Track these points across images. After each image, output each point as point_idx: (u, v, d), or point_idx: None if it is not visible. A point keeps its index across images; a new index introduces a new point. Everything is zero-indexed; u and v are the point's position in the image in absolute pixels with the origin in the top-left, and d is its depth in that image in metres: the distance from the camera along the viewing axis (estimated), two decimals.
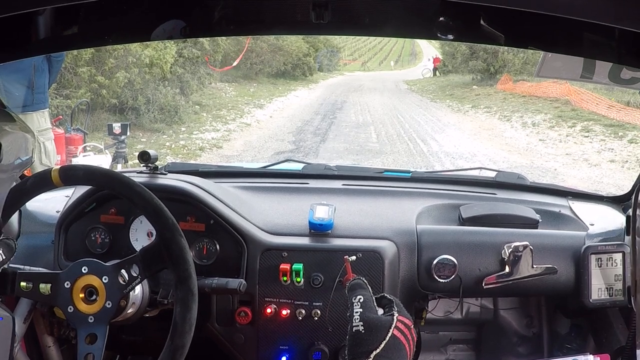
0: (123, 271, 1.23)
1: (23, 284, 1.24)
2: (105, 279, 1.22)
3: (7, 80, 4.65)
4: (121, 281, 1.23)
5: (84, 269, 1.23)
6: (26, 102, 4.86)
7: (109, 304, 1.21)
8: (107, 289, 1.22)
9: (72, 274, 1.23)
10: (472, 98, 19.48)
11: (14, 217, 1.59)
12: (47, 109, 5.20)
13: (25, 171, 1.51)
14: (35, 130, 4.91)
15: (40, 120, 5.03)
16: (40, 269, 1.35)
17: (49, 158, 5.06)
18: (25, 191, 1.28)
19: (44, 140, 5.04)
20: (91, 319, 1.21)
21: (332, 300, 1.50)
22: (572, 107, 14.97)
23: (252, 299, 1.53)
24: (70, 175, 1.26)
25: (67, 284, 1.23)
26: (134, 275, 1.23)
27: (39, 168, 4.80)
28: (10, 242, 1.21)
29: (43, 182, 1.27)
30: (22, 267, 1.29)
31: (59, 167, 1.26)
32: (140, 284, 1.31)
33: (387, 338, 1.01)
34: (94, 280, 1.23)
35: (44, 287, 1.24)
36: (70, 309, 1.22)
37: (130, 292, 1.28)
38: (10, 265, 1.24)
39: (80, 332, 1.20)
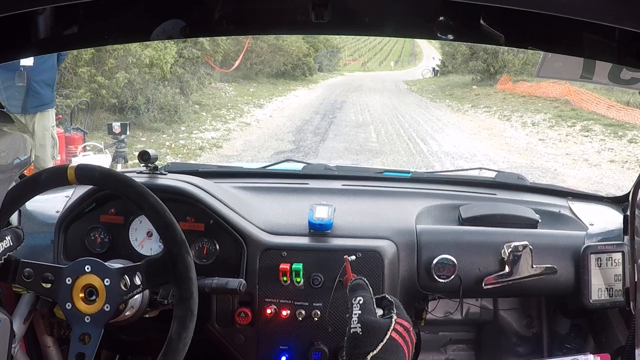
0: (126, 277, 1.23)
1: (25, 274, 1.24)
2: (107, 282, 1.22)
3: (36, 80, 4.85)
4: (123, 287, 1.23)
5: (87, 268, 1.23)
6: (47, 100, 5.06)
7: (107, 307, 1.21)
8: (107, 292, 1.22)
9: (74, 271, 1.23)
10: (471, 98, 19.47)
11: (14, 217, 1.59)
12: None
13: (26, 170, 1.51)
14: (50, 127, 5.07)
15: (53, 117, 5.21)
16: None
17: (55, 154, 5.21)
18: (38, 184, 1.28)
19: (55, 136, 5.21)
20: (88, 318, 1.21)
21: (332, 301, 1.50)
22: (571, 107, 14.96)
23: (252, 299, 1.53)
24: (85, 175, 1.26)
25: (69, 280, 1.23)
26: (137, 283, 1.23)
27: (50, 163, 4.93)
28: (19, 230, 1.22)
29: (57, 178, 1.27)
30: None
31: (75, 165, 1.26)
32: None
33: (385, 340, 1.01)
34: (95, 280, 1.22)
35: (45, 280, 1.24)
36: (69, 305, 1.22)
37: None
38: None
39: (75, 330, 1.20)
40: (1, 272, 1.23)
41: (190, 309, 1.20)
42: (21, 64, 4.71)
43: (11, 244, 1.18)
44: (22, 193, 1.27)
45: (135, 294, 1.26)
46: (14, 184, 1.28)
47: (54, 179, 1.28)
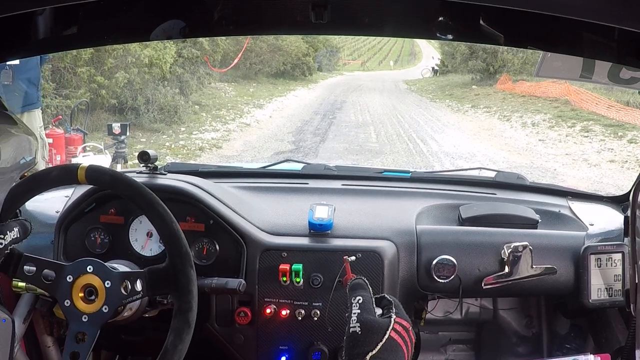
0: (127, 282, 1.23)
1: (27, 267, 1.24)
2: (107, 283, 1.22)
3: (21, 79, 4.79)
4: (123, 290, 1.22)
5: (89, 268, 1.23)
6: (33, 100, 5.00)
7: (105, 308, 1.21)
8: (107, 293, 1.21)
9: (76, 269, 1.23)
10: (471, 98, 19.46)
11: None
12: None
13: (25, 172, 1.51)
14: (38, 127, 5.05)
15: (39, 117, 5.16)
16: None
17: (45, 155, 5.18)
18: (48, 180, 1.28)
19: (44, 137, 5.18)
20: (85, 317, 1.20)
21: (332, 301, 1.50)
22: (571, 107, 14.96)
23: (251, 299, 1.53)
24: (96, 177, 1.26)
25: (69, 278, 1.22)
26: (137, 289, 1.23)
27: (41, 164, 4.92)
28: (27, 222, 1.21)
29: (68, 176, 1.27)
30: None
31: (86, 165, 1.26)
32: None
33: (384, 340, 1.01)
34: (96, 281, 1.22)
35: (46, 276, 1.24)
36: (67, 302, 1.21)
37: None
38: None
39: (71, 328, 1.20)
40: (4, 264, 1.22)
41: (188, 322, 1.20)
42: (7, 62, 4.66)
43: (18, 235, 1.18)
44: (31, 187, 1.27)
45: (135, 300, 1.26)
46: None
47: (64, 176, 1.28)
